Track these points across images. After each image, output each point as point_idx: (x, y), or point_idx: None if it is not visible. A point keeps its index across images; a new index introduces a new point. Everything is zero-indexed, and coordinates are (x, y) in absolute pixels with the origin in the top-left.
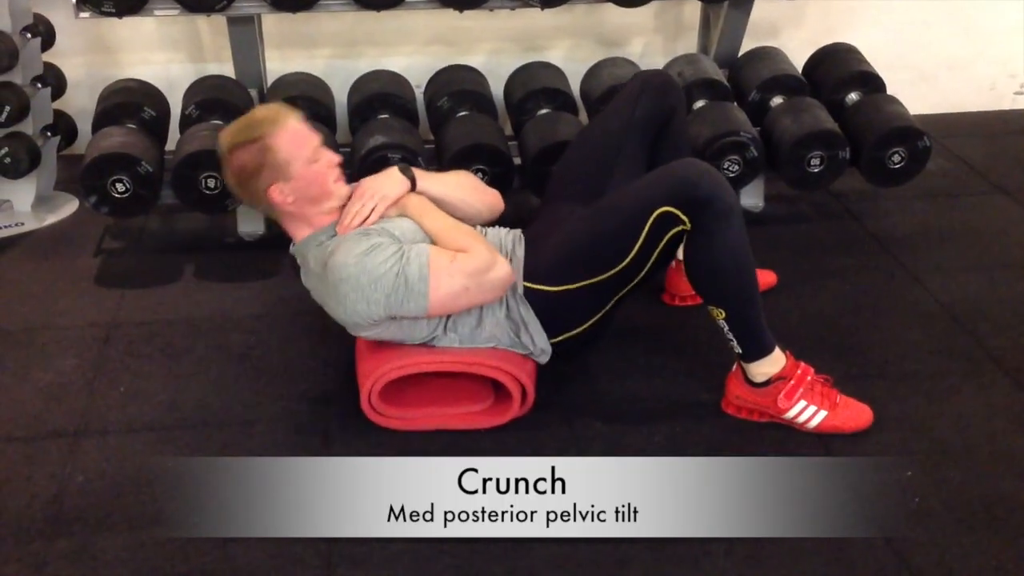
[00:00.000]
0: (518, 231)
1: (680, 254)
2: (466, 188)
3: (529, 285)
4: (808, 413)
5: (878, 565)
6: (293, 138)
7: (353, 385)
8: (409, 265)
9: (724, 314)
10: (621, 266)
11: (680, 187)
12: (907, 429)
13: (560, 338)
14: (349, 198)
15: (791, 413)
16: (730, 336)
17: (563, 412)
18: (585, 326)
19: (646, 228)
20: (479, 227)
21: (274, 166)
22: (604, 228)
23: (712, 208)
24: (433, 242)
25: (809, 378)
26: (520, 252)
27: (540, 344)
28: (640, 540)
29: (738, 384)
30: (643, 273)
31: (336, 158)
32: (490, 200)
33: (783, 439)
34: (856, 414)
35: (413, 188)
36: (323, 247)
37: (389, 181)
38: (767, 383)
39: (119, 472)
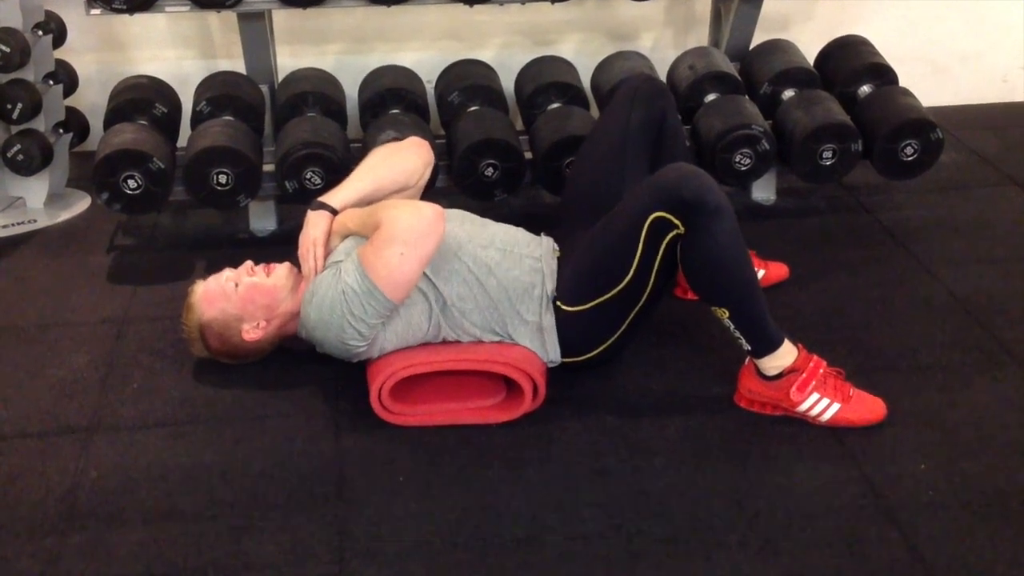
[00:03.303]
0: (551, 241)
1: None
2: (382, 162)
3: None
4: (821, 406)
5: (892, 558)
6: (209, 301)
7: (365, 378)
8: (348, 275)
9: (727, 313)
10: (626, 280)
11: (667, 191)
12: (921, 422)
13: (573, 360)
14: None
15: (804, 406)
16: (737, 334)
17: (575, 406)
18: (599, 350)
19: (642, 237)
20: (497, 247)
21: (224, 327)
22: (604, 244)
23: (701, 208)
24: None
25: (821, 371)
26: (553, 264)
27: (552, 356)
28: (652, 533)
29: (750, 378)
30: (650, 286)
31: (246, 264)
32: (411, 153)
33: (796, 432)
34: (869, 407)
35: (336, 212)
36: None
37: (310, 225)
38: (779, 376)
39: (132, 467)
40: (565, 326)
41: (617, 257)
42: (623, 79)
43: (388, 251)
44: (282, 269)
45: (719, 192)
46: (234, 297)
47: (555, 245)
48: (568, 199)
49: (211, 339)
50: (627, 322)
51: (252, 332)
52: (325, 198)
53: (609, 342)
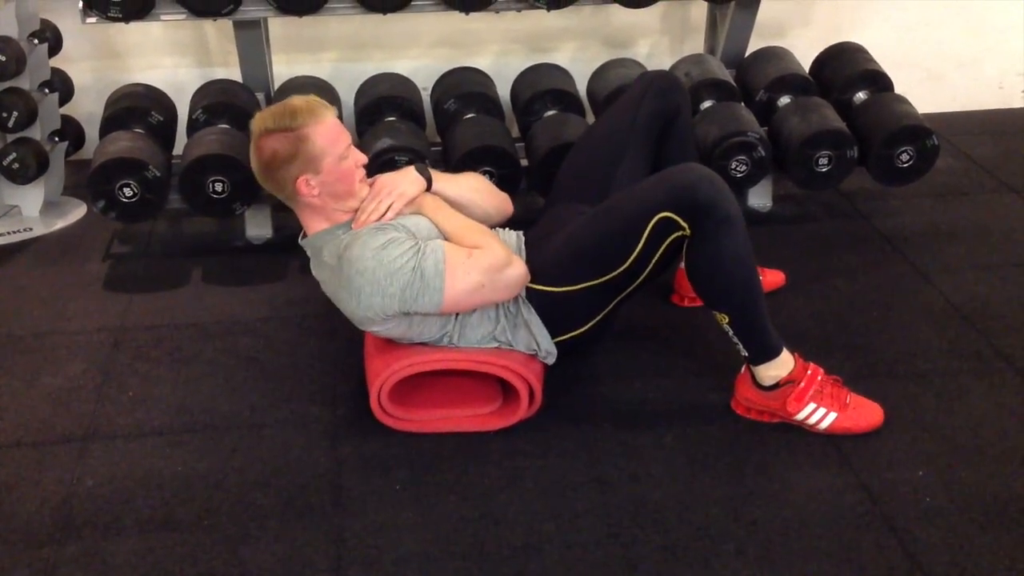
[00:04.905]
0: (519, 233)
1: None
2: (478, 190)
3: (532, 285)
4: (818, 415)
5: (889, 565)
6: (329, 133)
7: (362, 387)
8: (425, 260)
9: (728, 319)
10: (621, 269)
11: (679, 193)
12: (918, 428)
13: (562, 338)
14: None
15: (801, 415)
16: (736, 340)
17: (571, 413)
18: (587, 326)
19: (646, 233)
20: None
21: (307, 158)
22: (605, 231)
23: (712, 215)
24: (448, 240)
25: (819, 379)
26: (522, 254)
27: (545, 346)
28: (649, 542)
29: (747, 386)
30: (644, 275)
31: (363, 159)
32: (500, 203)
33: (793, 439)
34: (867, 414)
35: (429, 187)
36: (339, 240)
37: (407, 179)
38: (776, 386)
39: (128, 476)
40: (549, 305)
41: (615, 247)
42: (642, 72)
43: (475, 276)
44: (366, 190)
45: (732, 200)
46: (336, 161)
47: (521, 237)
48: (562, 173)
49: (278, 144)
50: (613, 303)
51: (306, 187)
52: (431, 170)
53: (595, 320)
